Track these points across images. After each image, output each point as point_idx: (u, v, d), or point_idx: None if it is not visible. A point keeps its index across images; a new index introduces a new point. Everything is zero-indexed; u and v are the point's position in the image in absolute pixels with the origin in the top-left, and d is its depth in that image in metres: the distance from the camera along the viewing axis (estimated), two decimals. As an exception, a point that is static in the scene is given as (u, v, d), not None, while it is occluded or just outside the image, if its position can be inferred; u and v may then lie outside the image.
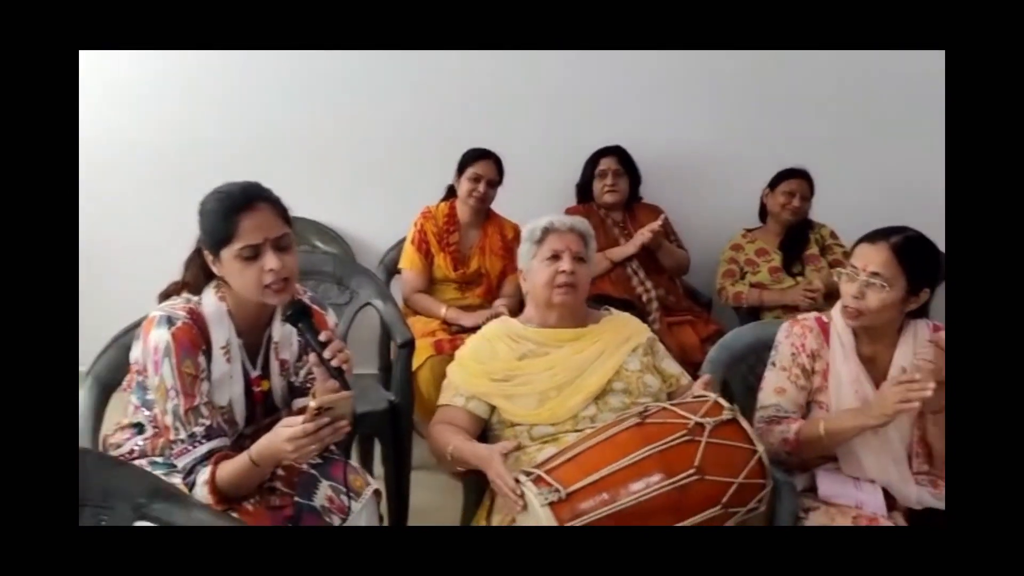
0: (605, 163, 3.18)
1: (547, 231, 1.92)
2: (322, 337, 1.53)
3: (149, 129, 3.32)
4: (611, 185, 3.15)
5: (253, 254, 1.51)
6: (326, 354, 1.49)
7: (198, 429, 1.51)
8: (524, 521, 1.56)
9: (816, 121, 3.45)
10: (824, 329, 1.83)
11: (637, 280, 3.02)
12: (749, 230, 3.23)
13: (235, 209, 1.51)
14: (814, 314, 1.89)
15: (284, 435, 1.44)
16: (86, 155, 3.30)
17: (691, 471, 1.49)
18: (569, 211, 3.12)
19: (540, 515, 1.45)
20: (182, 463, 1.51)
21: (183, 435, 1.51)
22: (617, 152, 3.22)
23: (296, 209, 1.65)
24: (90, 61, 3.16)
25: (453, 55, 3.23)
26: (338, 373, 1.49)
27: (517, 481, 1.53)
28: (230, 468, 1.49)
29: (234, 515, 1.51)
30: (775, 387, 1.83)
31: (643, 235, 3.00)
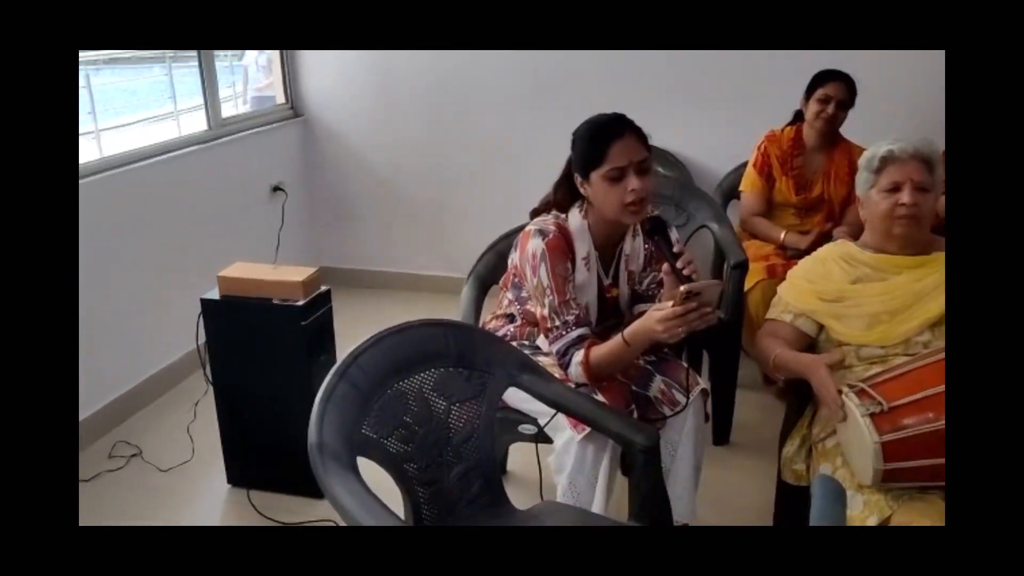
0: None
1: (886, 160, 1.81)
2: (676, 249, 1.72)
3: (510, 72, 3.69)
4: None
5: (619, 175, 1.73)
6: (678, 264, 1.68)
7: (570, 318, 1.80)
8: (844, 432, 1.63)
9: None
10: None
11: None
12: None
13: (607, 137, 1.74)
14: None
15: (656, 317, 1.64)
16: (454, 105, 3.82)
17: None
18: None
19: (861, 425, 1.50)
20: (556, 347, 1.81)
21: (558, 323, 1.80)
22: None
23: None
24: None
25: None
26: (687, 281, 1.65)
27: (840, 392, 1.59)
28: (603, 349, 1.76)
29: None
30: None
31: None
